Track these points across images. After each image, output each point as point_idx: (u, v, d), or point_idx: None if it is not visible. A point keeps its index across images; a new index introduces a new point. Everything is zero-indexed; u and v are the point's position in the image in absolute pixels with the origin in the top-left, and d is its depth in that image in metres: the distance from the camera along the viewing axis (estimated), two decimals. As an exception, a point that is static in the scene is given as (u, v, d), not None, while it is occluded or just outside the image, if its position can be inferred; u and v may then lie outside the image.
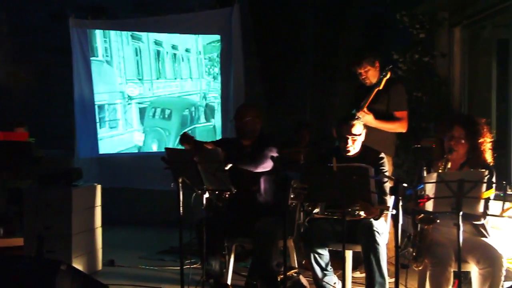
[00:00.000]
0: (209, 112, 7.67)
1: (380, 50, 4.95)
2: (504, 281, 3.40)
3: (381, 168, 4.06)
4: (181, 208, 3.72)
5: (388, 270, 3.89)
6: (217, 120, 7.57)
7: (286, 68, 8.33)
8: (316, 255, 3.88)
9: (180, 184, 3.69)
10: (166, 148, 3.85)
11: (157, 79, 7.75)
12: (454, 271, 3.41)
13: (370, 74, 4.76)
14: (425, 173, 3.53)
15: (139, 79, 7.74)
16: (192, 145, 4.03)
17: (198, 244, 4.06)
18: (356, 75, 4.86)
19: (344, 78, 8.18)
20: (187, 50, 7.72)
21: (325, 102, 8.36)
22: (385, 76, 4.66)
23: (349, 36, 8.31)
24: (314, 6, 8.28)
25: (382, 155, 4.15)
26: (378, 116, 4.65)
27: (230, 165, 3.77)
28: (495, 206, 3.43)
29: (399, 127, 4.73)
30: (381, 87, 4.65)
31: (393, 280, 3.21)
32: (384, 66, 4.75)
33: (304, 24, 8.48)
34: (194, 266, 4.79)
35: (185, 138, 4.08)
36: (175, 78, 7.74)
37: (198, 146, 4.02)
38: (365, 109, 4.61)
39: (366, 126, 4.35)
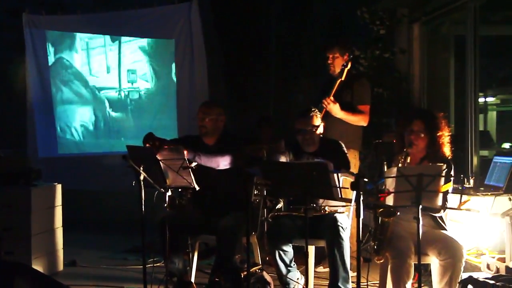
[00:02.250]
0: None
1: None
2: (462, 272, 3.47)
3: (342, 152, 4.12)
4: (143, 207, 3.69)
5: (350, 264, 3.93)
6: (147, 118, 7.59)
7: (249, 65, 8.34)
8: (281, 252, 3.89)
9: (142, 182, 3.65)
10: (128, 146, 3.80)
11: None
12: (414, 264, 3.46)
13: (337, 62, 4.78)
14: (385, 168, 3.58)
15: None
16: (155, 146, 3.99)
17: (161, 243, 4.03)
18: (323, 64, 4.88)
19: (307, 75, 8.25)
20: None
21: (289, 98, 8.41)
22: (346, 66, 4.70)
23: (311, 33, 8.37)
24: (276, 3, 8.31)
25: (340, 142, 4.19)
26: (343, 108, 4.69)
27: (195, 164, 3.75)
28: (453, 199, 3.50)
29: (361, 120, 4.78)
30: (343, 78, 4.68)
31: (355, 274, 3.24)
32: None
33: (267, 21, 8.51)
34: (157, 264, 4.75)
35: (150, 139, 4.02)
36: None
37: (160, 144, 3.97)
38: (331, 97, 4.64)
39: (329, 119, 4.38)
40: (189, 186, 3.74)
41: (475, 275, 3.58)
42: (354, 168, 4.67)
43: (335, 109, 4.61)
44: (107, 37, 7.70)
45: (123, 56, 7.74)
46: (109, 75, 7.74)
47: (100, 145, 7.74)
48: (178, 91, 7.54)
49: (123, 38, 7.73)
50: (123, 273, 5.03)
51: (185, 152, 3.76)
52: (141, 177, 3.64)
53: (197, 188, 3.75)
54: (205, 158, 4.05)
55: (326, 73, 4.93)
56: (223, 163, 4.11)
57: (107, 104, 7.71)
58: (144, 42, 7.76)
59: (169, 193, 3.77)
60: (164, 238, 3.81)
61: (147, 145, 3.91)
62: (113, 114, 7.74)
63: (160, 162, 3.69)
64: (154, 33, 7.61)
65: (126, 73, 7.76)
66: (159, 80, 7.78)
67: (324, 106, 4.60)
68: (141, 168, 3.63)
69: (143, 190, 3.66)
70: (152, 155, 3.69)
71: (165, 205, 3.78)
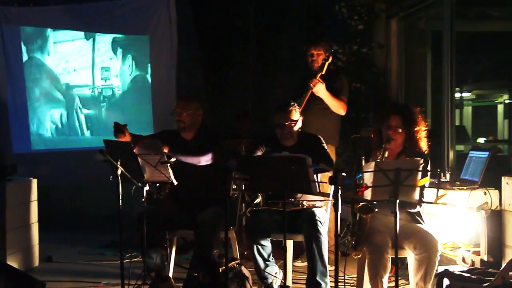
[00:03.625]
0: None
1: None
2: (438, 265, 3.51)
3: (321, 146, 4.14)
4: (120, 202, 3.66)
5: (328, 258, 3.95)
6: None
7: (228, 59, 8.31)
8: (259, 247, 3.89)
9: (119, 177, 3.62)
10: (105, 141, 3.76)
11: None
12: (391, 258, 3.49)
13: (320, 59, 4.82)
14: (363, 162, 3.59)
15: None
16: (127, 135, 3.95)
17: (138, 238, 4.00)
18: (303, 58, 4.90)
19: (286, 69, 8.25)
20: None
21: (268, 93, 8.39)
22: (327, 60, 4.74)
23: (290, 27, 8.37)
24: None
25: (318, 136, 4.20)
26: (321, 103, 4.71)
27: (173, 159, 3.73)
28: (429, 194, 3.53)
29: (341, 108, 4.82)
30: (323, 72, 4.71)
31: (333, 268, 3.25)
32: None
33: (246, 15, 8.47)
34: (135, 259, 4.73)
35: (118, 128, 3.99)
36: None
37: (137, 138, 3.94)
38: (318, 77, 4.66)
39: (308, 115, 4.39)
40: (167, 181, 3.72)
41: (450, 268, 3.62)
42: None
43: (321, 89, 4.65)
44: (81, 34, 7.62)
45: (96, 53, 7.67)
46: (82, 73, 7.67)
47: (74, 141, 7.67)
48: (153, 87, 7.49)
49: (97, 35, 7.66)
50: (100, 269, 5.00)
51: (166, 150, 3.75)
52: (119, 172, 3.61)
53: (175, 183, 3.73)
54: (186, 158, 4.04)
55: (304, 68, 4.94)
56: (204, 159, 4.10)
57: (80, 101, 7.64)
58: (118, 38, 7.69)
59: (146, 187, 3.74)
60: (141, 233, 3.79)
61: (120, 136, 3.88)
62: (87, 111, 7.68)
63: (138, 157, 3.66)
64: (128, 29, 7.54)
65: (99, 71, 7.70)
66: (133, 77, 7.72)
67: (311, 86, 4.62)
68: (118, 163, 3.59)
69: (120, 185, 3.63)
70: (129, 150, 3.66)
71: (143, 200, 3.76)
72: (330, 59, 4.78)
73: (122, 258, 3.74)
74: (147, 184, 3.75)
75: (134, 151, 3.66)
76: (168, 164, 3.66)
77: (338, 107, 4.80)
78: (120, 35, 7.67)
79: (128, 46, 7.72)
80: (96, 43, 7.67)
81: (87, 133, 7.66)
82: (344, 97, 4.84)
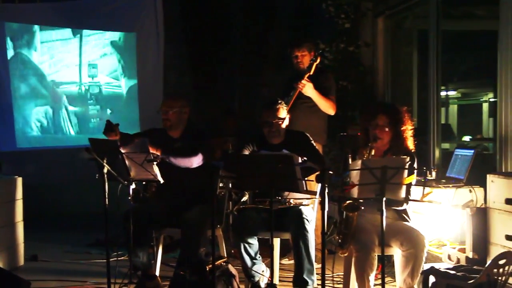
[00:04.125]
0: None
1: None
2: (424, 263, 3.53)
3: (311, 143, 4.14)
4: (106, 200, 3.64)
5: (315, 256, 3.95)
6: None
7: (215, 57, 8.29)
8: (246, 245, 3.89)
9: (105, 175, 3.60)
10: (90, 139, 3.74)
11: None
12: (378, 256, 3.50)
13: (305, 60, 4.83)
14: (350, 161, 3.60)
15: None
16: (117, 134, 3.93)
17: (125, 236, 3.98)
18: (289, 59, 4.90)
19: (273, 68, 8.25)
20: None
21: (255, 91, 8.39)
22: (315, 61, 4.75)
23: (277, 25, 8.36)
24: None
25: (306, 133, 4.21)
26: (309, 101, 4.72)
27: (160, 158, 3.72)
28: (416, 191, 3.55)
29: (330, 108, 4.83)
30: (311, 72, 4.72)
31: (320, 266, 3.26)
32: (315, 54, 4.83)
33: (233, 12, 8.46)
34: (121, 258, 4.71)
35: (110, 127, 3.97)
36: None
37: (124, 136, 3.92)
38: (306, 77, 4.67)
39: (295, 113, 4.39)
40: (154, 179, 3.71)
41: (436, 265, 3.64)
42: None
43: (309, 88, 4.66)
44: (68, 31, 7.56)
45: (84, 50, 7.62)
46: (69, 70, 7.62)
47: (60, 139, 7.62)
48: (140, 85, 7.47)
49: (85, 32, 7.61)
50: (86, 268, 4.97)
51: (159, 153, 3.74)
52: (105, 170, 3.59)
53: (162, 181, 3.72)
54: (177, 160, 4.03)
55: (291, 67, 4.95)
56: (196, 161, 4.09)
57: (66, 99, 7.58)
58: (105, 35, 7.65)
59: (133, 186, 3.73)
60: (128, 232, 3.77)
61: (110, 134, 3.86)
62: (73, 108, 7.63)
63: (124, 155, 3.64)
64: (115, 26, 7.50)
65: (86, 68, 7.65)
66: (121, 74, 7.68)
67: (299, 87, 4.63)
68: (104, 161, 3.57)
69: (106, 183, 3.61)
70: (115, 148, 3.64)
71: (129, 198, 3.74)
72: (318, 60, 4.79)
73: (108, 256, 3.72)
74: (133, 183, 3.74)
75: (121, 150, 3.64)
76: (155, 163, 3.64)
77: (327, 107, 4.81)
78: (107, 32, 7.63)
79: (115, 43, 7.69)
80: (84, 39, 7.62)
81: (73, 131, 7.61)
82: (332, 96, 4.85)
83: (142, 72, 7.49)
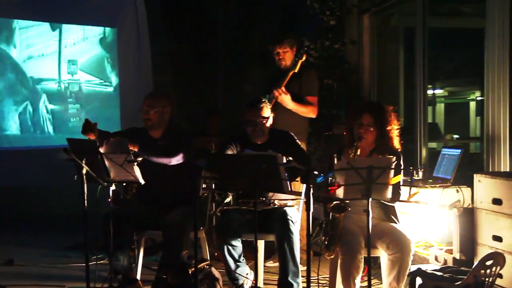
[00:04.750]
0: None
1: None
2: (411, 264, 3.55)
3: (295, 142, 4.15)
4: (85, 202, 3.62)
5: (301, 258, 3.96)
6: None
7: (197, 54, 8.28)
8: (230, 247, 3.89)
9: (84, 176, 3.58)
10: (68, 139, 3.71)
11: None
12: (364, 258, 3.52)
13: (287, 56, 4.81)
14: (335, 160, 3.62)
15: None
16: (96, 133, 3.91)
17: (104, 239, 3.97)
18: (271, 56, 4.90)
19: (257, 65, 8.25)
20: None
21: (238, 89, 8.39)
22: (300, 58, 4.74)
23: (261, 22, 8.37)
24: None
25: (290, 132, 4.22)
26: (292, 99, 4.71)
27: (141, 158, 3.70)
28: (402, 192, 3.57)
29: (311, 112, 4.83)
30: (296, 70, 4.72)
31: (305, 268, 3.27)
32: (300, 50, 4.82)
33: (216, 9, 8.45)
34: (101, 262, 4.68)
35: (88, 126, 3.94)
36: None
37: (104, 136, 3.90)
38: (283, 88, 4.66)
39: (277, 111, 4.40)
40: (134, 180, 3.69)
41: (423, 267, 3.66)
42: None
43: (286, 100, 4.65)
44: (47, 26, 7.49)
45: (63, 46, 7.55)
46: (48, 66, 7.53)
47: (38, 139, 7.55)
48: (121, 83, 7.42)
49: (64, 27, 7.54)
50: (64, 272, 4.93)
51: (136, 149, 3.73)
52: (83, 171, 3.57)
53: (143, 182, 3.71)
54: (157, 158, 4.02)
55: (275, 64, 4.95)
56: (175, 159, 4.08)
57: (45, 96, 7.51)
58: (86, 31, 7.58)
59: (113, 187, 3.71)
60: (108, 234, 3.76)
61: (89, 134, 3.84)
62: (52, 107, 7.55)
63: (104, 156, 3.62)
64: (95, 21, 7.45)
65: (66, 64, 7.58)
66: (101, 71, 7.63)
67: (275, 96, 4.62)
68: (83, 162, 3.55)
69: (85, 185, 3.59)
70: (94, 148, 3.62)
71: (109, 200, 3.72)
72: (304, 57, 4.78)
73: (87, 260, 3.69)
74: (113, 184, 3.72)
75: (100, 150, 3.62)
76: (135, 163, 3.63)
77: (307, 113, 4.82)
78: (88, 28, 7.56)
79: (96, 40, 7.63)
80: (63, 35, 7.54)
81: (52, 131, 7.54)
82: (313, 97, 4.83)
83: (123, 70, 7.44)
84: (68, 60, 7.59)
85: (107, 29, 7.62)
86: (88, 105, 7.65)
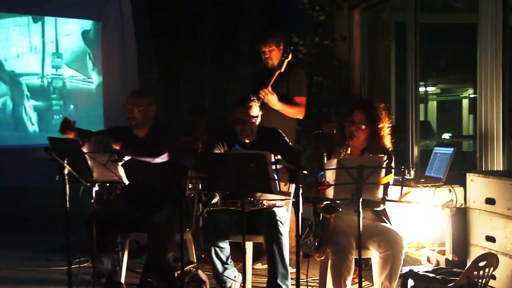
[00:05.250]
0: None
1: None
2: (403, 265, 3.57)
3: (284, 140, 4.16)
4: (67, 203, 3.60)
5: (290, 259, 3.97)
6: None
7: (183, 51, 8.26)
8: (217, 249, 3.89)
9: (66, 177, 3.56)
10: (49, 138, 3.69)
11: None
12: (355, 259, 3.53)
13: (274, 55, 4.80)
14: (325, 160, 3.62)
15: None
16: (76, 132, 3.89)
17: (87, 241, 3.95)
18: (259, 54, 4.89)
19: (245, 63, 8.25)
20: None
21: (225, 87, 8.39)
22: (286, 57, 4.73)
23: (249, 19, 8.37)
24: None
25: (278, 130, 4.22)
26: (279, 100, 4.71)
27: (127, 158, 3.69)
28: (393, 191, 3.59)
29: (298, 113, 4.83)
30: (282, 69, 4.72)
31: (294, 270, 3.27)
32: (286, 49, 4.82)
33: (203, 4, 8.43)
34: (84, 265, 4.66)
35: (67, 125, 3.92)
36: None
37: (85, 134, 3.88)
38: (269, 88, 4.66)
39: (264, 110, 4.40)
40: (118, 181, 3.68)
41: (415, 268, 3.69)
42: None
43: (273, 101, 4.65)
44: (28, 19, 7.41)
45: (47, 39, 7.47)
46: (30, 60, 7.45)
47: (19, 137, 7.48)
48: (105, 79, 7.36)
49: (47, 19, 7.45)
50: (45, 275, 4.90)
51: (118, 147, 3.71)
52: (65, 171, 3.55)
53: (127, 183, 3.69)
54: (140, 156, 4.01)
55: (263, 62, 4.95)
56: (159, 158, 4.07)
57: (27, 92, 7.43)
58: (70, 24, 7.51)
59: (96, 188, 3.69)
60: (91, 236, 3.73)
61: (67, 133, 3.82)
62: (34, 103, 7.48)
63: (86, 155, 3.61)
64: (78, 13, 7.37)
65: (50, 58, 7.49)
66: (84, 67, 7.57)
67: (262, 97, 4.62)
68: (65, 161, 3.53)
69: (67, 185, 3.57)
70: (77, 148, 3.60)
71: (92, 201, 3.70)
72: (290, 57, 4.78)
73: (69, 263, 3.68)
74: (97, 184, 3.70)
75: (82, 149, 3.60)
76: (119, 163, 3.61)
77: (294, 114, 4.82)
78: (73, 21, 7.48)
79: (82, 34, 7.54)
80: (46, 27, 7.45)
81: (35, 128, 7.47)
82: (301, 97, 4.82)
83: (107, 66, 7.38)
84: (53, 53, 7.48)
85: (91, 23, 7.56)
86: (72, 102, 7.57)
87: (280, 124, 4.67)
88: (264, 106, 4.60)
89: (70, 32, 7.57)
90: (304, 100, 4.84)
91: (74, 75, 7.58)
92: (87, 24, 7.57)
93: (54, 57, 7.49)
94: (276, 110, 4.71)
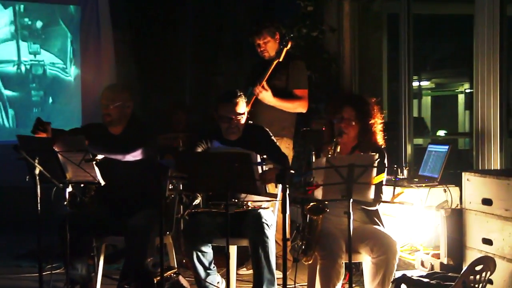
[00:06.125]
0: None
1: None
2: (395, 270, 3.59)
3: (271, 139, 4.16)
4: (39, 205, 3.58)
5: (276, 264, 3.98)
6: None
7: (163, 43, 8.22)
8: (199, 253, 3.89)
9: (37, 177, 3.54)
10: (18, 136, 3.67)
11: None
12: (345, 263, 3.54)
13: (269, 46, 4.80)
14: (313, 158, 3.63)
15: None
16: (48, 134, 3.87)
17: (60, 246, 3.93)
18: (245, 46, 4.89)
19: (229, 55, 8.24)
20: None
21: (208, 81, 8.37)
22: (285, 46, 4.73)
23: (233, 8, 8.35)
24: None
25: (265, 128, 4.23)
26: (277, 94, 4.71)
27: (101, 157, 3.68)
28: (385, 192, 3.60)
29: (299, 107, 4.83)
30: (281, 59, 4.71)
31: (281, 275, 3.28)
32: (284, 37, 4.80)
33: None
34: (57, 271, 4.64)
35: (41, 126, 3.90)
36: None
37: (57, 133, 3.86)
38: (264, 83, 4.65)
39: (260, 104, 4.41)
40: (93, 181, 3.66)
41: (408, 273, 3.71)
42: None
43: (267, 97, 4.64)
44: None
45: (21, 23, 7.33)
46: (4, 46, 7.31)
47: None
48: (83, 70, 7.28)
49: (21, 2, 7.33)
50: (15, 283, 4.88)
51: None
52: (37, 171, 3.53)
53: (102, 183, 3.68)
54: (109, 153, 3.99)
55: (250, 53, 4.94)
56: (131, 155, 4.05)
57: (1, 81, 7.27)
58: (47, 7, 7.37)
59: (69, 189, 3.68)
60: (64, 241, 3.71)
61: (39, 132, 3.80)
62: (9, 93, 7.33)
63: (59, 155, 3.59)
64: None
65: (26, 44, 7.35)
66: (67, 56, 7.43)
67: (255, 94, 4.61)
68: (36, 161, 3.51)
69: (38, 186, 3.55)
70: (48, 147, 3.58)
71: (65, 203, 3.69)
72: (289, 45, 4.76)
73: (41, 270, 3.66)
74: (70, 185, 3.69)
75: (54, 148, 3.58)
76: (94, 162, 3.60)
77: (294, 108, 4.81)
78: (46, 4, 7.36)
79: (61, 17, 7.43)
80: (19, 12, 7.33)
81: (10, 122, 7.34)
82: (302, 90, 4.82)
83: (85, 56, 7.30)
84: (29, 38, 7.35)
85: (72, 8, 7.41)
86: (52, 94, 7.42)
87: (277, 119, 4.68)
88: (259, 101, 4.60)
89: (48, 15, 7.41)
90: (305, 93, 4.83)
91: (56, 62, 7.43)
92: (67, 8, 7.43)
93: (31, 43, 7.35)
94: (272, 106, 4.69)
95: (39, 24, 7.37)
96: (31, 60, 7.31)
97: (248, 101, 4.58)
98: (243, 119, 4.10)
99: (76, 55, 7.43)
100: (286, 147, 4.71)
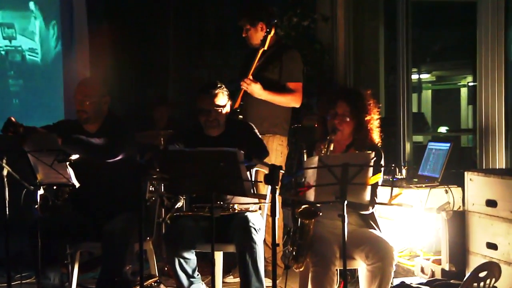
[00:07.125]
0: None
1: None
2: (393, 277, 3.59)
3: (254, 134, 4.16)
4: (7, 209, 3.56)
5: (265, 271, 3.97)
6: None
7: (143, 35, 8.21)
8: (182, 260, 3.88)
9: (5, 179, 3.52)
10: (-16, 134, 3.65)
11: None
12: (339, 270, 3.54)
13: (251, 34, 4.78)
14: (305, 157, 3.63)
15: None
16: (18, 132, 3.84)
17: (31, 253, 3.90)
18: (231, 29, 4.88)
19: (213, 47, 8.23)
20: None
21: (191, 75, 8.37)
22: (268, 33, 4.70)
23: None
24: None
25: (250, 124, 4.23)
26: (268, 87, 4.70)
27: (76, 157, 3.65)
28: (383, 193, 3.60)
29: (292, 101, 4.81)
30: (265, 47, 4.69)
31: (271, 283, 3.27)
32: (271, 23, 4.78)
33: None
34: (27, 281, 4.61)
35: (12, 127, 3.87)
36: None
37: (28, 130, 3.83)
38: (250, 76, 4.64)
39: (250, 98, 4.39)
40: (67, 183, 3.65)
41: (407, 280, 3.72)
42: (281, 157, 4.71)
43: (257, 90, 4.63)
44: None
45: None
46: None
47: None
48: (65, 61, 7.21)
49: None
50: (-18, 294, 4.84)
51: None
52: (4, 172, 3.52)
53: (77, 185, 3.66)
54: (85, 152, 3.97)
55: (236, 44, 4.93)
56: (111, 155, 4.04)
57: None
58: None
59: (41, 191, 3.65)
60: (35, 247, 3.69)
61: (9, 133, 3.77)
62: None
63: (29, 154, 3.57)
64: None
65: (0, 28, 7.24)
66: (46, 43, 7.35)
67: (244, 88, 4.60)
68: (4, 161, 3.50)
69: (6, 188, 3.54)
70: (17, 145, 3.55)
71: (36, 206, 3.67)
72: (273, 32, 4.75)
73: (9, 279, 3.65)
74: (42, 187, 3.66)
75: (24, 147, 3.56)
76: (68, 163, 3.58)
77: (287, 102, 4.80)
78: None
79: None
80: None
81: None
82: (296, 83, 4.80)
83: (66, 44, 7.23)
84: (1, 23, 7.25)
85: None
86: (32, 83, 7.33)
87: (269, 114, 4.67)
88: (248, 96, 4.59)
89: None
90: (299, 86, 4.81)
91: (35, 48, 7.34)
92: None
93: (4, 28, 7.24)
94: (263, 100, 4.68)
95: (14, 5, 7.27)
96: (6, 46, 7.20)
97: (236, 95, 4.57)
98: (223, 112, 4.09)
99: (57, 43, 7.35)
100: (279, 144, 4.71)
